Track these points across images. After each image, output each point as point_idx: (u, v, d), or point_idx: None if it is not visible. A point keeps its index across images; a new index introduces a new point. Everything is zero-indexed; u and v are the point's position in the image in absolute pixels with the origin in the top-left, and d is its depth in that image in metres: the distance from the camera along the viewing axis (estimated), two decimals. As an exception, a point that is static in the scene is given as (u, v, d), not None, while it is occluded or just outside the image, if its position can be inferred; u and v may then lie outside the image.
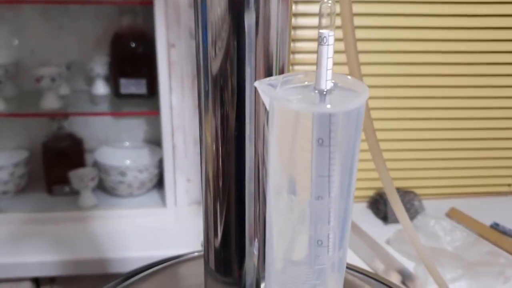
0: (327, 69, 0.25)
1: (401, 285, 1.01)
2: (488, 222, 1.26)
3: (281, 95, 0.25)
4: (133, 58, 1.31)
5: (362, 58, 0.42)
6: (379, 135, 0.48)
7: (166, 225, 1.28)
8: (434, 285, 1.00)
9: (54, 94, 1.27)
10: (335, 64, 0.25)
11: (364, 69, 0.50)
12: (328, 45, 0.25)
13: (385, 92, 1.29)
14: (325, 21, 0.24)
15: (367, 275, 0.58)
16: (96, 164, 1.36)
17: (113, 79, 1.33)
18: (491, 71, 1.30)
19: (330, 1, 0.24)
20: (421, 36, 1.25)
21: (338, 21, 0.31)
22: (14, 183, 1.33)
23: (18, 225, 1.25)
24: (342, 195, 0.26)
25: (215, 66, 0.33)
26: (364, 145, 0.44)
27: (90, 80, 1.36)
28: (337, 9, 0.27)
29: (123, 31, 1.31)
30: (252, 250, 0.37)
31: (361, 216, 1.31)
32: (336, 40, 0.26)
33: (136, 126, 1.44)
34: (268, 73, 0.33)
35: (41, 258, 1.14)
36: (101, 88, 1.33)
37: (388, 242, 1.19)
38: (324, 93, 0.25)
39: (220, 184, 0.36)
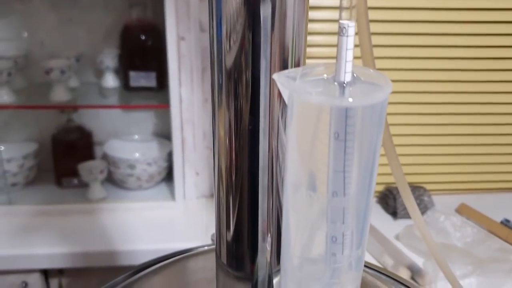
0: (346, 61, 0.24)
1: (410, 280, 1.01)
2: (498, 218, 1.25)
3: (300, 88, 0.25)
4: (142, 51, 1.31)
5: (374, 52, 0.41)
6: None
7: (174, 218, 1.28)
8: (443, 280, 0.99)
9: (63, 86, 1.27)
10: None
11: (376, 63, 0.49)
12: (347, 36, 0.24)
13: (395, 86, 1.27)
14: (345, 14, 0.24)
15: (377, 271, 0.57)
16: (105, 157, 1.37)
17: (122, 72, 1.33)
18: (501, 66, 1.29)
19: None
20: (434, 30, 1.24)
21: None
22: (23, 175, 1.33)
23: (27, 217, 1.25)
24: (361, 193, 0.25)
25: (229, 59, 0.32)
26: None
27: (99, 73, 1.36)
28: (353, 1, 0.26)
29: (133, 23, 1.31)
30: (265, 246, 0.36)
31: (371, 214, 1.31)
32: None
33: (145, 119, 1.44)
34: (284, 66, 0.32)
35: (50, 250, 1.15)
36: (110, 80, 1.33)
37: (397, 237, 1.18)
38: (344, 85, 0.25)
39: (233, 177, 0.35)
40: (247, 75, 0.32)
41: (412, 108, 1.31)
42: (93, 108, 1.37)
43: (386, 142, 0.49)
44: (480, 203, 1.32)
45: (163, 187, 1.39)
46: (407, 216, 1.24)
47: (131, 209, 1.29)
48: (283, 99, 0.30)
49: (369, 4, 0.34)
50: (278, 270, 0.37)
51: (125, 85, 1.32)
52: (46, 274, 1.19)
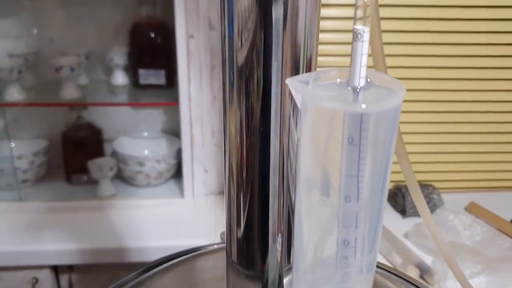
0: (361, 66, 0.24)
1: (419, 279, 1.00)
2: (508, 217, 1.24)
3: (314, 93, 0.25)
4: (152, 48, 1.31)
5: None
6: (399, 128, 0.47)
7: (183, 215, 1.29)
8: (453, 279, 0.99)
9: (73, 84, 1.28)
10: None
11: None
12: (363, 41, 0.24)
13: (405, 84, 1.27)
14: (359, 13, 0.24)
15: (386, 270, 0.57)
16: (114, 154, 1.37)
17: (132, 70, 1.33)
18: (512, 64, 1.29)
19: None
20: (441, 27, 1.24)
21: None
22: (33, 172, 1.34)
23: (37, 213, 1.26)
24: (374, 197, 0.25)
25: (240, 57, 0.32)
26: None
27: (109, 70, 1.36)
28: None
29: (142, 21, 1.31)
30: (275, 246, 0.36)
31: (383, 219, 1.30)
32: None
33: (154, 117, 1.44)
34: (295, 65, 0.32)
35: (60, 247, 1.16)
36: (120, 78, 1.34)
37: (406, 235, 1.18)
38: (358, 90, 0.25)
39: (244, 175, 0.35)
40: (258, 73, 0.32)
41: (422, 106, 1.30)
42: (103, 106, 1.38)
43: (396, 140, 0.49)
44: (490, 201, 1.31)
45: (172, 184, 1.39)
46: (416, 214, 1.24)
47: (140, 206, 1.30)
48: (295, 100, 0.30)
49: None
50: (288, 270, 0.37)
51: (135, 82, 1.32)
52: (56, 270, 1.20)
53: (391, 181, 1.33)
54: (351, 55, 0.24)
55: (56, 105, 1.34)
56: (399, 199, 1.29)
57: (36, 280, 1.18)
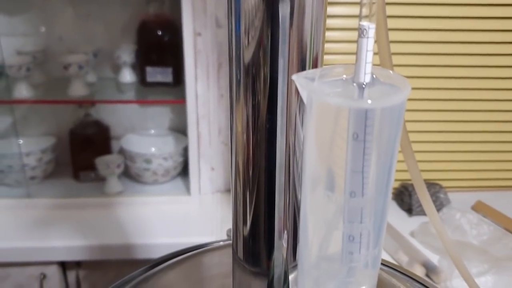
0: (366, 62, 0.24)
1: (425, 278, 1.00)
2: (515, 216, 1.24)
3: (319, 89, 0.25)
4: (159, 46, 1.32)
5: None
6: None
7: (190, 212, 1.29)
8: (459, 278, 0.99)
9: (81, 81, 1.29)
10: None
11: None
12: (368, 37, 0.24)
13: (412, 82, 1.27)
14: (365, 11, 0.24)
15: (392, 268, 0.57)
16: (122, 151, 1.38)
17: (139, 67, 1.34)
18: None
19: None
20: (449, 26, 1.23)
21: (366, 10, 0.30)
22: (41, 169, 1.35)
23: (45, 210, 1.27)
24: (379, 193, 0.25)
25: (247, 54, 0.32)
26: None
27: (116, 68, 1.37)
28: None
29: (150, 19, 1.31)
30: (281, 243, 0.36)
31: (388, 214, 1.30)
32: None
33: (161, 114, 1.45)
34: (302, 63, 0.32)
35: (67, 243, 1.16)
36: (127, 76, 1.34)
37: (412, 234, 1.18)
38: (363, 87, 0.25)
39: (250, 173, 0.35)
40: (265, 71, 0.32)
41: (429, 105, 1.30)
42: (110, 103, 1.38)
43: (402, 138, 0.49)
44: (497, 200, 1.31)
45: (179, 182, 1.39)
46: (422, 213, 1.24)
47: (147, 203, 1.30)
48: (301, 96, 0.30)
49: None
50: (294, 267, 0.38)
51: (142, 80, 1.33)
52: (64, 266, 1.21)
53: (398, 180, 1.33)
54: (357, 52, 0.25)
55: (64, 103, 1.35)
56: (405, 197, 1.29)
57: (44, 276, 1.19)
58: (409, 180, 1.17)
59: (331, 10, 1.21)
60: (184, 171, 1.40)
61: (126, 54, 1.32)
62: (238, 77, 0.33)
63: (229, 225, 0.46)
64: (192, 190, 1.31)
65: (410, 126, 1.30)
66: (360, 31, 0.24)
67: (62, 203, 1.29)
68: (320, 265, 0.28)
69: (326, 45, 1.24)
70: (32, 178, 1.34)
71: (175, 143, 1.39)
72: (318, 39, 0.33)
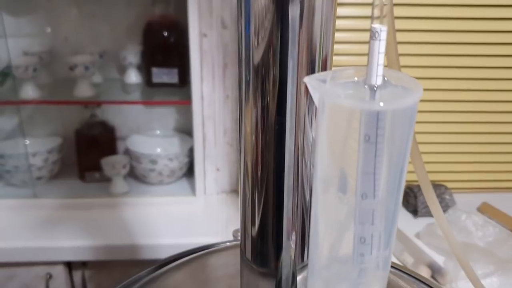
0: (378, 64, 0.24)
1: (431, 279, 1.00)
2: (521, 218, 1.23)
3: (331, 91, 0.25)
4: (165, 47, 1.32)
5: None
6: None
7: (195, 213, 1.29)
8: (464, 280, 0.98)
9: (87, 82, 1.29)
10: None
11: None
12: (380, 40, 0.24)
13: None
14: (376, 12, 0.24)
15: (398, 269, 0.57)
16: (127, 152, 1.38)
17: (145, 68, 1.34)
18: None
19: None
20: (454, 27, 1.23)
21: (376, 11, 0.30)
22: (47, 169, 1.36)
23: (51, 210, 1.28)
24: (390, 195, 0.25)
25: (257, 56, 0.32)
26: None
27: (122, 69, 1.37)
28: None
29: (156, 20, 1.32)
30: (289, 244, 0.36)
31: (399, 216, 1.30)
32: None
33: (167, 115, 1.45)
34: (311, 64, 0.32)
35: (73, 243, 1.17)
36: (133, 77, 1.35)
37: (417, 235, 1.18)
38: (375, 89, 0.25)
39: (259, 174, 0.35)
40: (274, 72, 0.32)
41: (435, 106, 1.30)
42: (116, 104, 1.39)
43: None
44: (503, 202, 1.30)
45: (184, 183, 1.40)
46: (427, 214, 1.23)
47: (153, 204, 1.31)
48: (310, 97, 0.30)
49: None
50: (302, 268, 0.38)
51: (148, 81, 1.33)
52: (70, 266, 1.21)
53: (403, 181, 1.33)
54: (368, 54, 0.25)
55: (70, 103, 1.35)
56: (411, 199, 1.29)
57: (50, 276, 1.20)
58: (415, 181, 1.17)
59: (340, 11, 1.21)
60: (189, 171, 1.40)
61: (132, 55, 1.32)
62: (247, 78, 0.34)
63: (235, 225, 0.46)
64: (197, 190, 1.32)
65: (416, 128, 1.30)
66: (372, 33, 0.24)
67: (68, 204, 1.29)
68: (331, 267, 0.28)
69: (336, 46, 1.24)
70: (38, 178, 1.35)
71: (181, 144, 1.39)
72: (327, 40, 0.33)
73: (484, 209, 1.29)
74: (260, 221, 0.37)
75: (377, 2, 0.24)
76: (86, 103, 1.34)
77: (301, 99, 0.32)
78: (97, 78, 1.35)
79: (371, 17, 0.24)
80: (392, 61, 0.47)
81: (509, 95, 1.30)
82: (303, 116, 0.33)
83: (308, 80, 0.26)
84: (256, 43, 0.32)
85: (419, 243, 1.14)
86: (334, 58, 0.35)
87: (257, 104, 0.34)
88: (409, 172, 0.53)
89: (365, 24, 1.21)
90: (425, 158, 1.33)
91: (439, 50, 1.25)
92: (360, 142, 0.24)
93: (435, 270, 1.02)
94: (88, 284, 1.23)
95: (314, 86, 0.25)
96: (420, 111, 1.29)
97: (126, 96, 1.34)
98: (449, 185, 1.32)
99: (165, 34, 1.32)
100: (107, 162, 1.32)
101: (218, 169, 1.35)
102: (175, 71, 1.31)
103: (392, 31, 0.46)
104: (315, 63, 0.32)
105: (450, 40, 1.24)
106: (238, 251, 0.40)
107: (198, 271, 0.56)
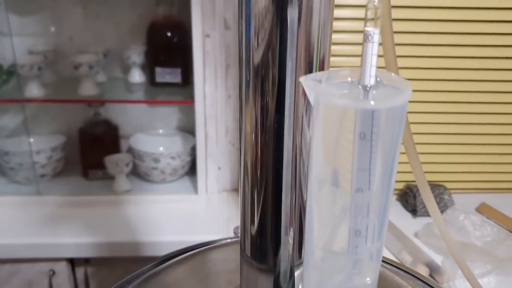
0: (371, 66, 0.26)
1: (428, 277, 1.01)
2: (519, 218, 1.24)
3: (326, 91, 0.26)
4: (168, 47, 1.33)
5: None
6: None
7: (197, 211, 1.30)
8: (462, 279, 0.99)
9: (91, 81, 1.30)
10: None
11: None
12: (373, 42, 0.26)
13: (416, 85, 1.28)
14: (370, 13, 0.25)
15: (396, 266, 0.58)
16: (130, 150, 1.40)
17: (148, 68, 1.35)
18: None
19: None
20: (453, 29, 1.24)
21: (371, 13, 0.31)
22: (51, 167, 1.37)
23: (55, 207, 1.29)
24: (382, 188, 0.27)
25: (257, 56, 0.33)
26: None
27: (126, 68, 1.38)
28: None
29: (159, 20, 1.33)
30: (287, 239, 0.37)
31: (390, 208, 1.31)
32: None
33: (169, 114, 1.46)
34: (309, 65, 0.33)
35: (76, 240, 1.18)
36: (137, 76, 1.36)
37: (416, 235, 1.19)
38: (368, 89, 0.26)
39: (258, 172, 0.36)
40: (273, 72, 0.32)
41: (434, 107, 1.31)
42: (120, 103, 1.40)
43: (406, 140, 0.50)
44: (501, 202, 1.31)
45: (186, 181, 1.41)
46: (426, 214, 1.24)
47: (155, 202, 1.32)
48: (308, 98, 0.31)
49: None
50: (300, 263, 0.38)
51: (151, 80, 1.34)
52: (73, 262, 1.22)
53: (402, 181, 1.34)
54: (362, 56, 0.26)
55: (74, 102, 1.36)
56: (410, 199, 1.30)
57: (53, 272, 1.21)
58: (414, 181, 1.18)
59: (338, 12, 1.22)
60: (191, 170, 1.41)
61: (136, 55, 1.33)
62: (248, 78, 0.34)
63: (235, 223, 0.47)
64: (199, 189, 1.33)
65: (414, 128, 1.31)
66: (366, 36, 0.25)
67: (71, 201, 1.31)
68: (325, 259, 0.29)
69: (333, 47, 1.25)
70: (42, 175, 1.36)
71: (183, 143, 1.40)
72: (325, 41, 0.33)
73: (483, 209, 1.30)
74: (259, 218, 0.37)
75: (370, 5, 0.25)
76: (90, 102, 1.35)
77: (299, 99, 0.33)
78: (101, 77, 1.37)
79: (365, 19, 0.25)
80: (390, 63, 0.48)
81: (508, 96, 1.31)
82: (301, 115, 0.33)
83: (304, 80, 0.27)
84: (256, 44, 0.33)
85: (417, 242, 1.15)
86: (332, 59, 0.36)
87: (257, 103, 0.34)
88: (409, 172, 0.54)
89: (362, 26, 1.22)
90: (425, 158, 1.35)
91: (438, 51, 1.26)
92: (355, 139, 0.25)
93: (433, 269, 1.03)
94: (90, 280, 1.24)
95: (309, 86, 0.27)
96: (419, 112, 1.30)
97: (129, 95, 1.35)
98: (448, 185, 1.33)
99: (169, 34, 1.33)
100: (110, 160, 1.34)
101: (219, 168, 1.36)
102: (178, 71, 1.32)
103: (390, 33, 0.47)
104: (313, 63, 0.33)
105: (450, 42, 1.25)
106: (238, 247, 0.40)
107: (199, 266, 0.56)
